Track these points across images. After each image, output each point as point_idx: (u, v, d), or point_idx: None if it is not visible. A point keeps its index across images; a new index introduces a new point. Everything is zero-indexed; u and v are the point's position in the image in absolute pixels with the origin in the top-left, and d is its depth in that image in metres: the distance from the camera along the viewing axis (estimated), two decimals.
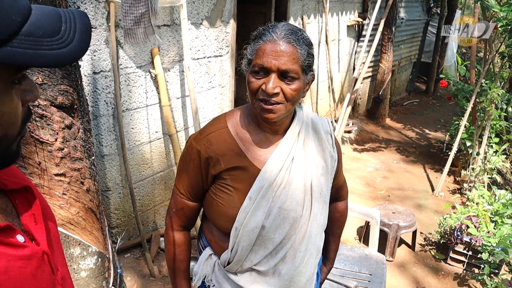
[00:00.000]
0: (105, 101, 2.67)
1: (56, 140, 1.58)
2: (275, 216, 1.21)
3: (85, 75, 2.59)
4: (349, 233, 3.84)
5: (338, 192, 1.52)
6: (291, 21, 4.55)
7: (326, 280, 2.27)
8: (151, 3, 2.33)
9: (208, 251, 1.37)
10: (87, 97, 2.60)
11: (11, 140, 0.66)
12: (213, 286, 1.36)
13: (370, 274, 2.42)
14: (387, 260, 3.41)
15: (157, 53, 2.90)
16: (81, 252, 1.78)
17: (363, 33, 5.97)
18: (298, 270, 1.27)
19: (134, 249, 3.15)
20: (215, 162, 1.22)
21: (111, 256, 1.99)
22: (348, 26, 5.81)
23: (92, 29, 2.43)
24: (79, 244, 1.76)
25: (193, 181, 1.27)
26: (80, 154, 1.67)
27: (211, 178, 1.24)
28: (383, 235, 3.45)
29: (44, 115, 1.53)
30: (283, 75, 1.10)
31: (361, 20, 5.96)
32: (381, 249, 3.49)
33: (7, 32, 0.56)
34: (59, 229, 1.68)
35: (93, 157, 1.75)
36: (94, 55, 2.53)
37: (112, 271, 1.99)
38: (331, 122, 5.60)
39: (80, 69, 2.55)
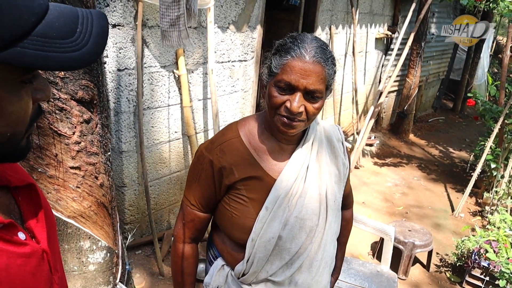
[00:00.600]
0: (127, 98, 2.70)
1: (73, 133, 1.60)
2: (291, 226, 1.19)
3: (109, 72, 2.63)
4: (363, 248, 3.77)
5: (345, 200, 1.49)
6: (319, 30, 4.53)
7: None
8: (189, 4, 2.33)
9: (220, 261, 1.35)
10: (110, 93, 2.65)
11: (19, 138, 0.65)
12: None
13: None
14: (399, 278, 3.33)
15: (182, 54, 2.93)
16: (91, 246, 1.80)
17: (391, 46, 5.90)
18: (314, 279, 1.26)
19: (146, 247, 3.17)
20: (229, 172, 1.19)
21: (120, 252, 2.01)
22: (376, 38, 5.75)
23: (118, 26, 2.48)
24: (89, 237, 1.77)
25: (205, 192, 1.25)
26: (96, 149, 1.70)
27: (224, 188, 1.22)
28: (397, 253, 3.38)
29: (64, 108, 1.55)
30: (308, 94, 1.08)
31: (390, 33, 5.89)
32: (395, 266, 3.42)
33: (18, 32, 0.54)
34: (71, 221, 1.71)
35: (109, 153, 1.77)
36: (120, 53, 2.57)
37: (120, 267, 2.00)
38: (353, 134, 5.54)
39: (105, 65, 2.60)
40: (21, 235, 0.69)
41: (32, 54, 0.55)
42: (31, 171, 1.63)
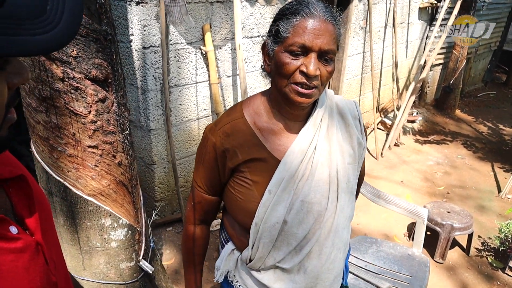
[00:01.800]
0: (153, 76, 2.70)
1: (89, 112, 1.60)
2: (297, 210, 1.12)
3: (135, 50, 2.62)
4: (398, 229, 3.65)
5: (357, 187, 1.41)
6: (356, 1, 4.31)
7: (357, 278, 2.16)
8: None
9: (230, 246, 1.31)
10: (136, 72, 2.65)
11: None
12: (236, 282, 1.31)
13: (410, 276, 2.26)
14: (436, 262, 3.20)
15: (208, 30, 2.87)
16: (112, 223, 1.82)
17: (437, 16, 5.53)
18: (325, 266, 1.19)
19: (176, 223, 3.22)
20: (232, 154, 1.14)
21: (143, 230, 2.03)
22: (420, 8, 5.41)
23: (142, 3, 2.45)
24: (110, 215, 1.80)
25: (210, 174, 1.21)
26: (113, 128, 1.69)
27: (228, 171, 1.17)
28: (435, 235, 3.24)
29: (79, 87, 1.55)
30: (322, 56, 1.00)
31: (436, 2, 5.51)
32: (432, 249, 3.28)
33: None
34: (91, 199, 1.73)
35: (127, 132, 1.76)
36: (144, 30, 2.55)
37: (143, 244, 2.03)
38: (393, 110, 5.31)
39: (131, 43, 2.59)
40: (13, 229, 0.67)
41: None
42: (51, 150, 1.65)
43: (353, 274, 2.16)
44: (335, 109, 1.21)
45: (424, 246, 3.34)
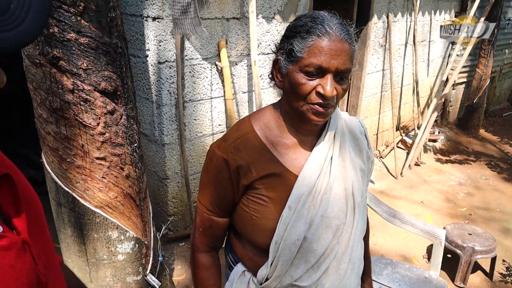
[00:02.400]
0: (168, 91, 2.72)
1: (98, 124, 1.62)
2: (317, 226, 1.09)
3: (151, 65, 2.66)
4: (417, 250, 3.52)
5: None
6: (375, 19, 4.29)
7: None
8: None
9: (240, 267, 1.25)
10: (152, 86, 2.68)
11: None
12: None
13: None
14: (457, 286, 3.06)
15: (224, 46, 2.89)
16: (119, 236, 1.81)
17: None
18: (342, 283, 1.15)
19: (189, 239, 3.19)
20: (246, 170, 1.09)
21: (152, 244, 2.01)
22: (441, 26, 5.34)
23: (158, 19, 2.49)
24: (117, 227, 1.79)
25: (222, 195, 1.14)
26: (122, 140, 1.70)
27: (242, 189, 1.12)
28: (456, 258, 3.11)
29: (88, 99, 1.57)
30: (338, 75, 0.99)
31: (458, 20, 5.43)
32: (452, 272, 3.15)
33: None
34: (98, 211, 1.73)
35: (135, 144, 1.77)
36: (160, 45, 2.58)
37: (151, 258, 2.01)
38: (414, 128, 5.21)
39: (147, 58, 2.63)
40: None
41: None
42: (60, 161, 1.67)
43: None
44: (344, 125, 1.20)
45: (444, 269, 3.22)
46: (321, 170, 1.10)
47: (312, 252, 1.10)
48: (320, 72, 0.97)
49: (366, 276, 1.43)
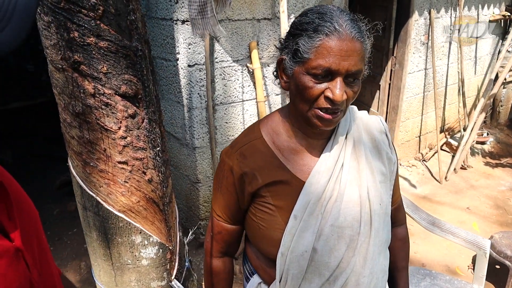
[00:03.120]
0: (198, 94, 2.70)
1: (119, 128, 1.60)
2: (327, 236, 1.01)
3: (181, 68, 2.65)
4: (462, 260, 3.31)
5: (396, 214, 1.25)
6: (416, 15, 4.09)
7: None
8: None
9: (256, 279, 1.21)
10: (182, 89, 2.67)
11: None
12: None
13: None
14: None
15: (255, 47, 2.84)
16: (142, 241, 1.80)
17: (510, 29, 5.10)
18: None
19: None
20: (251, 178, 1.05)
21: (177, 249, 1.99)
22: (490, 21, 5.02)
23: (187, 22, 2.46)
24: (140, 232, 1.78)
25: (229, 202, 1.12)
26: (143, 144, 1.68)
27: (248, 196, 1.07)
28: (505, 270, 2.89)
29: (109, 103, 1.56)
30: (348, 77, 0.90)
31: (509, 14, 5.09)
32: (501, 285, 2.93)
33: None
34: (121, 215, 1.72)
35: (158, 148, 1.74)
36: (189, 48, 2.57)
37: (176, 263, 1.98)
38: (460, 130, 4.93)
39: (178, 62, 2.63)
40: None
41: None
42: (84, 165, 1.68)
43: None
44: (361, 125, 1.10)
45: (492, 282, 3.00)
46: (331, 175, 1.02)
47: (325, 265, 1.02)
48: (329, 74, 0.89)
49: (400, 287, 1.31)
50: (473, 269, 3.14)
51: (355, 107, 1.14)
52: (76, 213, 3.51)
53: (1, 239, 0.68)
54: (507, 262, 2.81)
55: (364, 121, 1.12)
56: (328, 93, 0.90)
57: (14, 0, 0.52)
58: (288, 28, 1.00)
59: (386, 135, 1.13)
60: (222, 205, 1.14)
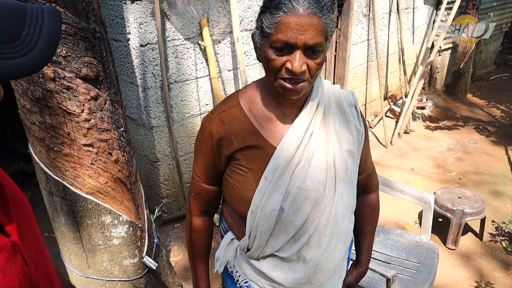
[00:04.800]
0: (152, 73, 2.70)
1: (82, 111, 1.61)
2: (294, 197, 1.11)
3: (133, 48, 2.63)
4: (410, 217, 3.60)
5: (367, 181, 1.36)
6: None
7: None
8: None
9: (229, 235, 1.31)
10: (135, 70, 2.65)
11: None
12: (236, 272, 1.30)
13: (419, 263, 2.23)
14: (449, 248, 3.15)
15: (206, 25, 2.86)
16: (112, 221, 1.83)
17: None
18: (324, 256, 1.17)
19: (184, 220, 3.23)
20: (228, 142, 1.14)
21: (146, 226, 2.04)
22: None
23: (136, 1, 2.44)
24: (110, 212, 1.81)
25: (208, 164, 1.21)
26: (108, 126, 1.70)
27: (224, 159, 1.17)
28: (446, 222, 3.18)
29: (70, 86, 1.56)
30: (308, 49, 0.98)
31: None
32: (444, 236, 3.23)
33: None
34: (90, 197, 1.74)
35: (122, 129, 1.76)
36: (141, 28, 2.55)
37: (146, 241, 2.04)
38: (402, 97, 5.24)
39: (129, 42, 2.60)
40: None
41: None
42: (48, 150, 1.67)
43: None
44: (332, 97, 1.20)
45: (436, 233, 3.31)
46: (300, 142, 1.11)
47: (290, 223, 1.13)
48: (289, 47, 0.98)
49: (358, 264, 1.43)
50: (420, 224, 3.43)
51: (328, 81, 1.24)
52: (32, 202, 3.42)
53: None
54: (449, 214, 3.10)
55: (336, 94, 1.21)
56: (288, 65, 0.99)
57: (40, 21, 0.55)
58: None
59: (356, 108, 1.24)
60: (201, 167, 1.23)
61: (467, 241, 3.29)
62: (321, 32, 0.98)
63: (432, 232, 2.80)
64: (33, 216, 0.85)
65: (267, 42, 1.01)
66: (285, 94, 1.05)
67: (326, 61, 4.78)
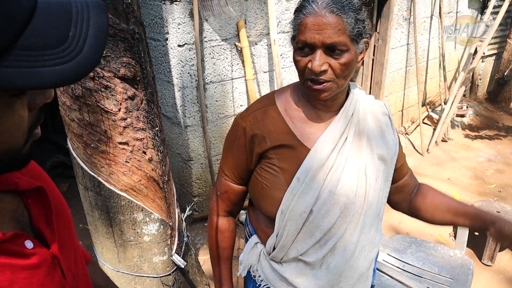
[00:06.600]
0: (189, 73, 2.73)
1: (119, 110, 1.64)
2: (324, 201, 1.10)
3: (171, 48, 2.67)
4: (444, 228, 3.48)
5: (409, 181, 1.35)
6: None
7: (392, 280, 2.08)
8: None
9: (254, 239, 1.31)
10: (172, 69, 2.69)
11: (17, 150, 0.58)
12: (259, 276, 1.30)
13: (452, 279, 2.15)
14: (484, 264, 3.02)
15: (243, 26, 2.86)
16: (144, 218, 1.87)
17: (488, 3, 5.20)
18: (349, 264, 1.16)
19: None
20: (261, 139, 1.14)
21: (176, 225, 2.06)
22: None
23: (176, 2, 2.48)
24: (142, 210, 1.84)
25: (238, 161, 1.21)
26: (143, 125, 1.73)
27: (256, 156, 1.16)
28: (483, 236, 3.06)
29: (108, 86, 1.59)
30: (330, 49, 0.99)
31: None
32: (480, 251, 3.11)
33: None
34: (123, 194, 1.78)
35: (157, 128, 1.79)
36: (179, 28, 2.58)
37: (176, 239, 2.06)
38: (441, 104, 5.07)
39: (167, 42, 2.64)
40: (28, 244, 0.64)
41: (14, 74, 0.44)
42: (85, 147, 1.72)
43: (387, 275, 2.08)
44: (367, 106, 1.20)
45: (471, 247, 3.19)
46: (335, 146, 1.11)
47: (318, 227, 1.12)
48: (311, 48, 1.00)
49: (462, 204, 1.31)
50: (454, 237, 3.32)
51: (363, 91, 1.23)
52: (69, 194, 3.55)
53: (38, 247, 0.67)
54: None
55: (370, 104, 1.20)
56: (309, 65, 1.00)
57: (86, 19, 0.50)
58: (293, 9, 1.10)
59: (389, 117, 1.23)
60: (231, 165, 1.22)
61: (505, 258, 3.15)
62: (341, 31, 0.97)
63: (467, 246, 2.71)
64: (72, 222, 0.84)
65: (294, 45, 1.05)
66: (311, 95, 1.07)
67: (363, 65, 4.70)
